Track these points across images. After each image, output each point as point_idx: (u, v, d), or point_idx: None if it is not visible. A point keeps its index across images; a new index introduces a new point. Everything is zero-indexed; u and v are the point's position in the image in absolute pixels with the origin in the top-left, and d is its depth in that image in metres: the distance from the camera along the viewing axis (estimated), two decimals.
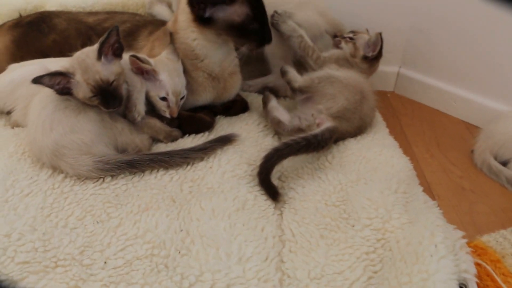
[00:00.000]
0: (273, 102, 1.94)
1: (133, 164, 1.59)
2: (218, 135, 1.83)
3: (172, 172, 1.62)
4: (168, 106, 1.76)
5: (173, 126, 1.83)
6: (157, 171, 1.62)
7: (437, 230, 1.30)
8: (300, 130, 1.85)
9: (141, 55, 1.77)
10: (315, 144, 1.65)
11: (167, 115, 1.77)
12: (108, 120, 1.67)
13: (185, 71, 1.84)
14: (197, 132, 1.85)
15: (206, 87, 1.91)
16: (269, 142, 1.84)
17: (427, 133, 2.22)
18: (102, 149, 1.61)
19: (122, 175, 1.59)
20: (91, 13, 2.31)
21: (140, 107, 1.74)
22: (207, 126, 1.88)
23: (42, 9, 2.45)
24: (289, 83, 1.92)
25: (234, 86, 2.01)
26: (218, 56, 1.85)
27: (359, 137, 1.87)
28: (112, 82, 1.62)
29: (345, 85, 1.85)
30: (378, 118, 2.11)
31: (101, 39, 1.61)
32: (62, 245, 1.32)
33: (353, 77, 1.91)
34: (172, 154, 1.64)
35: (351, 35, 2.08)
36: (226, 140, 1.75)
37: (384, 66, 2.51)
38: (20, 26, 2.22)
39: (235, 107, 2.03)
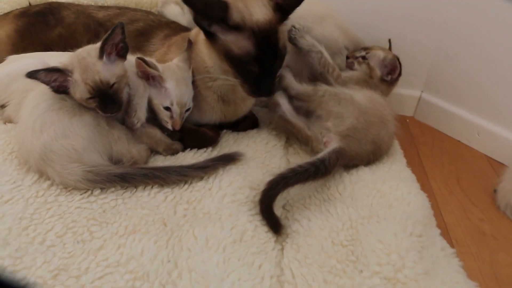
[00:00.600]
0: (283, 96, 1.83)
1: (126, 178, 1.46)
2: (222, 151, 1.70)
3: (167, 190, 1.48)
4: (171, 117, 1.63)
5: (175, 138, 1.70)
6: (151, 187, 1.48)
7: None
8: (301, 132, 1.77)
9: (149, 59, 1.64)
10: (323, 171, 1.52)
11: (169, 126, 1.64)
12: (105, 126, 1.54)
13: (195, 86, 1.71)
14: (199, 147, 1.72)
15: (214, 107, 1.77)
16: (276, 164, 1.70)
17: (446, 166, 2.07)
18: (94, 157, 1.48)
19: (113, 189, 1.46)
20: (102, 7, 2.19)
21: (140, 113, 1.61)
22: (211, 142, 1.74)
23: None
24: (286, 89, 1.80)
25: (244, 110, 1.87)
26: (232, 80, 1.65)
27: (374, 167, 1.72)
28: (113, 84, 1.49)
29: (357, 105, 1.71)
30: (396, 145, 1.96)
31: (104, 36, 1.48)
32: (34, 266, 1.18)
33: (371, 99, 1.76)
34: (169, 171, 1.50)
35: (363, 53, 1.94)
36: (229, 159, 1.61)
37: (404, 89, 2.39)
38: (26, 16, 2.10)
39: (245, 122, 1.90)
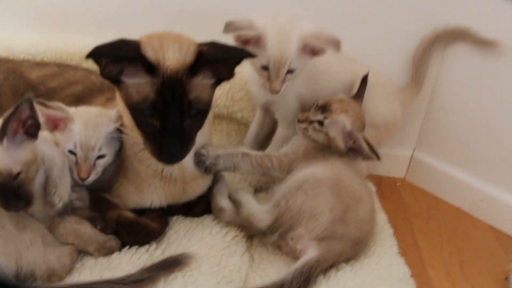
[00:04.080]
0: (220, 186, 1.56)
1: None
2: (169, 248, 1.40)
3: None
4: (77, 163, 1.36)
5: (108, 232, 1.38)
6: None
7: None
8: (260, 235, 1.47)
9: (56, 102, 1.39)
10: None
11: (75, 175, 1.36)
12: (11, 229, 1.22)
13: (126, 156, 1.45)
14: (140, 243, 1.39)
15: (151, 185, 1.45)
16: (235, 266, 1.36)
17: (446, 246, 1.74)
18: None
19: None
20: (38, 65, 1.87)
21: (62, 190, 1.31)
22: (154, 236, 1.42)
23: None
24: (250, 223, 1.41)
25: (197, 190, 1.54)
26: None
27: (358, 264, 1.39)
28: (17, 174, 1.17)
29: (327, 188, 1.38)
30: (385, 223, 1.64)
31: (6, 115, 1.17)
32: None
33: (335, 173, 1.42)
34: None
35: (320, 117, 1.49)
36: (173, 265, 1.28)
37: (394, 147, 2.08)
38: None
39: (200, 206, 1.56)
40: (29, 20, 2.11)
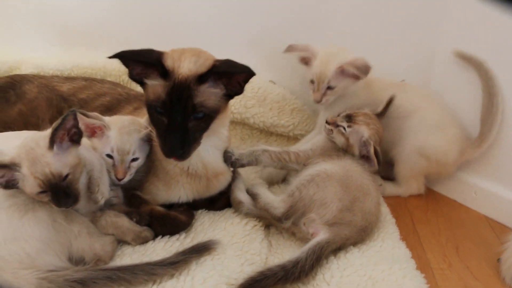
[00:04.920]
0: (238, 182, 1.76)
1: (86, 283, 1.29)
2: (197, 237, 1.56)
3: None
4: (114, 165, 1.55)
5: (143, 223, 1.56)
6: None
7: None
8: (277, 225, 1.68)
9: (92, 112, 1.57)
10: (297, 274, 1.38)
11: (113, 176, 1.55)
12: (62, 222, 1.39)
13: (156, 156, 1.64)
14: (171, 233, 1.57)
15: (179, 181, 1.64)
16: (256, 250, 1.53)
17: (443, 233, 1.90)
18: (50, 260, 1.34)
19: None
20: (67, 79, 2.06)
21: (103, 188, 1.50)
22: (183, 227, 1.60)
23: (18, 71, 2.24)
24: (267, 210, 1.61)
25: (218, 186, 1.73)
26: (196, 151, 1.53)
27: (364, 247, 1.57)
28: (66, 176, 1.35)
29: (336, 180, 1.58)
30: (387, 214, 1.82)
31: (54, 125, 1.35)
32: None
33: (346, 169, 1.63)
34: (135, 270, 1.34)
35: (345, 124, 1.73)
36: (203, 250, 1.45)
37: None
38: None
39: (221, 201, 1.75)
40: (56, 40, 2.33)
